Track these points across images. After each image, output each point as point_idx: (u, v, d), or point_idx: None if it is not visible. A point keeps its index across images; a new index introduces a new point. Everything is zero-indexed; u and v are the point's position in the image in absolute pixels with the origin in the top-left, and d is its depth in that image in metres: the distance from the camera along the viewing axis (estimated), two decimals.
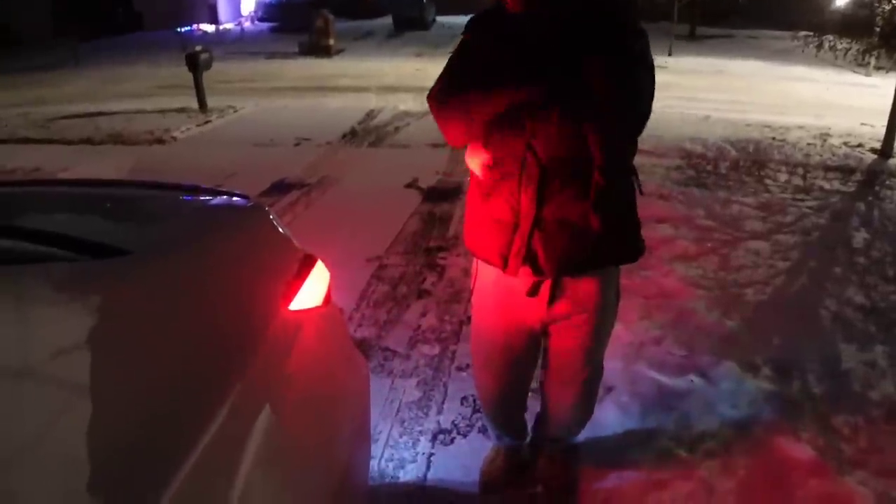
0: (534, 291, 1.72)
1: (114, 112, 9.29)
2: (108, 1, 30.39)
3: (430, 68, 15.46)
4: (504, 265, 1.68)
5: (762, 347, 3.09)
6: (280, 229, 1.59)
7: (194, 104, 9.33)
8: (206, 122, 8.68)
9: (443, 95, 1.62)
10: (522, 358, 1.92)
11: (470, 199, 1.78)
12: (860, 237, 4.71)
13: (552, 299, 1.73)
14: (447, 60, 1.68)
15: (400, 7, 27.28)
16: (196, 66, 9.18)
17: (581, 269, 1.68)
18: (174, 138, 7.83)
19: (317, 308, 1.51)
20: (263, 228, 1.58)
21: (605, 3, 1.54)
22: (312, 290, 1.50)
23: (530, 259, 1.65)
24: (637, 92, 1.53)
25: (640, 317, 3.26)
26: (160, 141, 7.69)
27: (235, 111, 9.45)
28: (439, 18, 29.04)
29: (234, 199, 1.77)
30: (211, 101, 9.47)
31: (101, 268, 1.12)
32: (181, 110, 9.33)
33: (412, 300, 3.48)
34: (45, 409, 0.87)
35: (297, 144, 7.39)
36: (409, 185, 5.66)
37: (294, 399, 1.30)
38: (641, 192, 1.74)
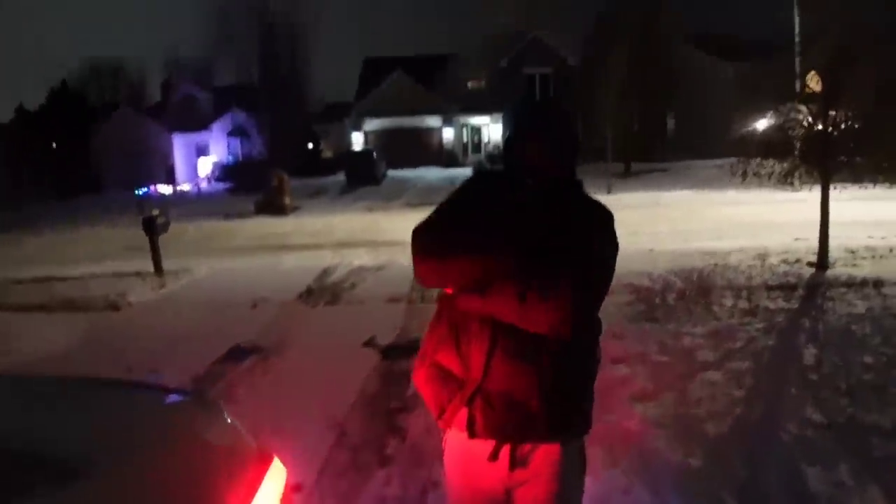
0: (494, 456, 1.72)
1: (69, 277, 9.26)
2: (66, 161, 31.12)
3: (383, 221, 16.07)
4: (440, 415, 1.73)
5: (729, 481, 3.08)
6: (233, 426, 1.58)
7: (150, 268, 9.38)
8: (162, 287, 8.70)
9: (429, 240, 1.71)
10: None
11: (426, 338, 1.83)
12: (809, 353, 4.86)
13: (512, 464, 1.72)
14: (444, 203, 1.79)
15: (352, 163, 28.67)
16: (153, 230, 9.34)
17: (519, 441, 1.71)
18: (129, 304, 7.80)
19: None
20: (218, 429, 1.58)
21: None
22: (269, 493, 1.48)
23: (469, 422, 1.69)
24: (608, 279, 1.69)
25: (605, 465, 3.22)
26: (115, 307, 7.64)
27: (192, 274, 9.51)
28: (390, 173, 30.49)
29: (185, 396, 1.78)
30: (167, 264, 9.53)
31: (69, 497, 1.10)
32: (137, 274, 9.36)
33: (375, 468, 3.38)
34: None
35: (253, 306, 7.41)
36: (366, 344, 5.66)
37: None
38: (600, 361, 1.82)
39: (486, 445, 1.71)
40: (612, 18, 28.57)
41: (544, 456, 1.72)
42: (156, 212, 9.88)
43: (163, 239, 9.60)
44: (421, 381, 1.80)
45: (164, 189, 30.85)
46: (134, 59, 75.81)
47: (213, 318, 7.03)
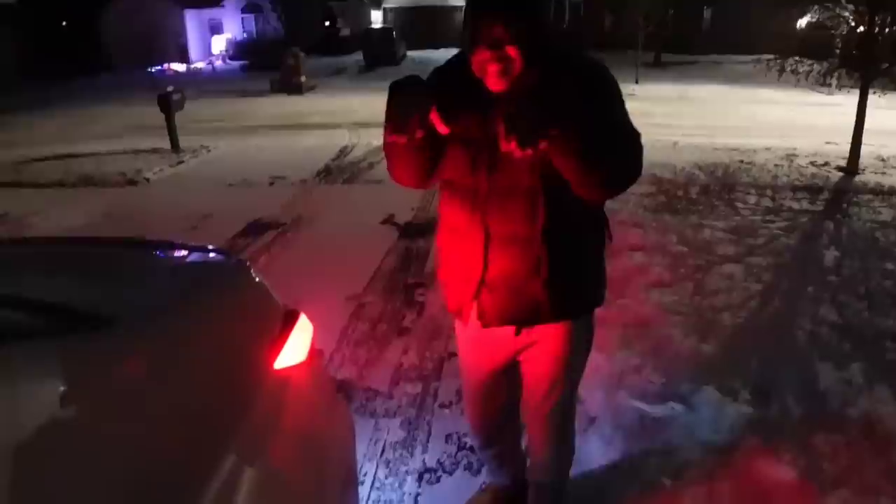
0: (507, 337, 1.79)
1: (85, 154, 9.22)
2: (75, 41, 30.30)
3: None
4: (459, 315, 1.81)
5: (740, 371, 3.13)
6: (261, 286, 1.59)
7: (167, 145, 9.29)
8: (179, 163, 8.63)
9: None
10: (498, 390, 1.96)
11: (437, 242, 1.85)
12: (831, 256, 4.81)
13: (518, 330, 1.77)
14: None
15: (371, 43, 27.63)
16: (168, 106, 9.18)
17: (532, 323, 1.74)
18: (147, 180, 7.79)
19: (302, 363, 1.51)
20: (245, 287, 1.58)
21: (564, 68, 1.56)
22: (296, 346, 1.50)
23: (480, 313, 1.74)
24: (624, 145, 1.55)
25: (619, 346, 3.28)
26: (132, 182, 7.64)
27: (209, 151, 9.43)
28: (409, 53, 29.47)
29: (214, 255, 1.77)
30: (183, 142, 9.44)
31: (91, 343, 1.11)
32: (154, 151, 9.28)
33: (393, 338, 3.47)
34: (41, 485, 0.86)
35: (271, 184, 7.40)
36: (384, 222, 5.68)
37: (284, 456, 1.31)
38: (611, 240, 1.80)
39: (499, 331, 1.77)
40: None
41: (553, 329, 1.77)
42: (171, 88, 9.67)
43: (177, 117, 9.45)
44: (442, 282, 1.87)
45: (178, 67, 30.08)
46: None
47: (232, 193, 7.04)
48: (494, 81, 1.52)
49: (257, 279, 1.59)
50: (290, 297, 3.89)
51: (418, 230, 5.40)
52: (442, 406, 2.89)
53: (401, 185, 1.72)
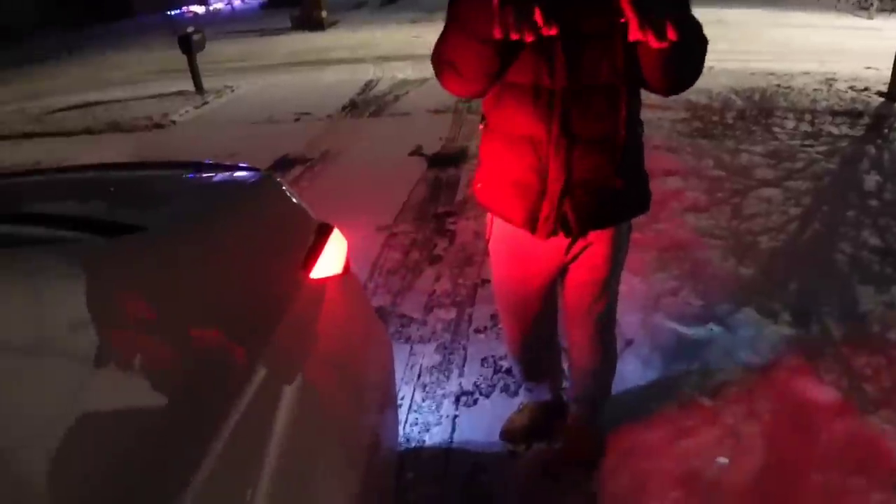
0: (569, 247, 1.77)
1: (110, 100, 9.19)
2: None
3: (427, 35, 15.25)
4: (533, 229, 1.67)
5: (780, 294, 3.08)
6: (294, 200, 1.57)
7: (191, 87, 9.22)
8: (204, 104, 8.58)
9: (441, 38, 1.47)
10: (544, 301, 1.93)
11: (485, 157, 1.74)
12: (871, 180, 4.66)
13: (571, 243, 1.74)
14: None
15: None
16: (189, 48, 9.05)
17: (607, 224, 1.73)
18: (173, 122, 7.77)
19: (337, 275, 1.50)
20: (278, 200, 1.57)
21: None
22: (332, 258, 1.49)
23: (561, 223, 1.66)
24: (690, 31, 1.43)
25: (655, 269, 3.24)
26: (159, 126, 7.62)
27: (233, 91, 9.35)
28: None
29: (245, 173, 1.75)
30: (207, 83, 9.35)
31: (118, 245, 1.10)
32: (178, 94, 9.22)
33: (425, 266, 3.47)
34: (70, 387, 0.85)
35: (296, 120, 7.33)
36: (413, 153, 5.61)
37: (322, 366, 1.30)
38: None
39: (555, 240, 1.71)
40: None
41: (606, 231, 1.75)
42: (191, 28, 9.51)
43: (199, 58, 9.33)
44: (495, 198, 1.74)
45: (197, 9, 29.64)
46: None
47: (258, 132, 7.00)
48: None
49: (289, 193, 1.58)
50: None
51: (447, 160, 5.33)
52: (477, 331, 2.90)
53: (456, 93, 1.54)
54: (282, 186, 1.62)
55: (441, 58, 1.47)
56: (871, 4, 8.57)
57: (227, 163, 1.89)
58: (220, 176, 1.81)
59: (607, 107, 1.53)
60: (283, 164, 5.58)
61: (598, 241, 1.75)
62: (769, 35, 13.48)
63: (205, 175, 1.83)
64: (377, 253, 3.63)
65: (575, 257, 1.79)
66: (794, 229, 3.82)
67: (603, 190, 1.63)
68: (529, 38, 1.25)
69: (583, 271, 1.82)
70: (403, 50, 12.68)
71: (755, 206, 4.10)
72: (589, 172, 1.59)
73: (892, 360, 2.59)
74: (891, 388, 2.43)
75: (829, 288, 3.14)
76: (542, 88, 1.50)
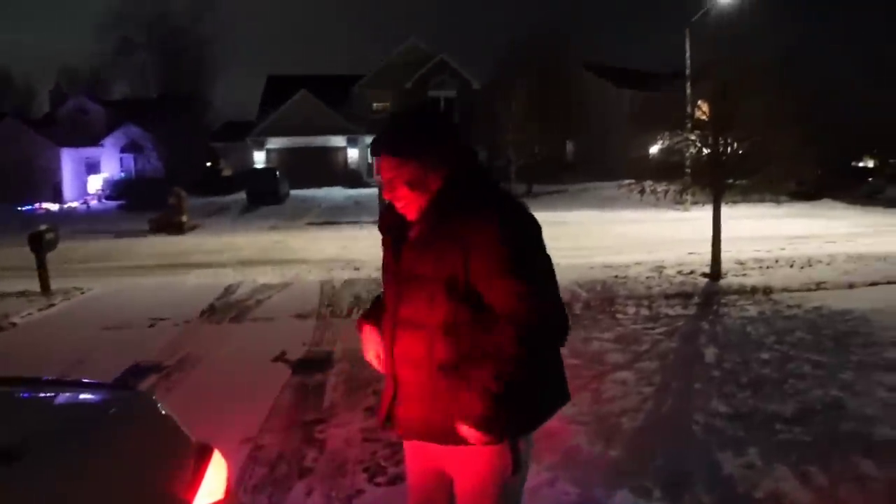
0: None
1: None
2: None
3: (290, 240, 15.70)
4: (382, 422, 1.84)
5: (649, 470, 3.18)
6: (171, 420, 1.47)
7: (37, 287, 8.69)
8: (51, 306, 8.07)
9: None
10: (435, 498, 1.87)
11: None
12: (711, 353, 5.15)
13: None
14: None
15: (254, 182, 27.83)
16: (40, 246, 8.66)
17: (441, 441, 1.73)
18: (14, 324, 7.18)
19: (219, 501, 1.43)
20: (153, 420, 1.47)
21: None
22: (213, 483, 1.41)
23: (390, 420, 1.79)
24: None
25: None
26: None
27: (82, 293, 8.88)
28: (293, 192, 29.87)
29: (118, 391, 1.64)
30: (56, 283, 8.88)
31: None
32: (22, 294, 8.64)
33: (294, 481, 3.23)
34: None
35: (151, 325, 6.98)
36: (276, 359, 5.44)
37: None
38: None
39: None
40: (516, 50, 29.66)
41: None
42: (43, 226, 9.18)
43: (50, 258, 8.92)
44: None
45: (50, 206, 28.79)
46: (20, 69, 70.07)
47: (108, 338, 6.56)
48: (403, 211, 1.73)
49: (164, 412, 1.48)
50: None
51: (313, 365, 5.21)
52: None
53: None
54: (156, 405, 1.52)
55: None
56: (686, 200, 10.03)
57: (100, 381, 1.75)
58: (95, 395, 1.68)
59: (424, 341, 1.70)
60: (135, 372, 5.21)
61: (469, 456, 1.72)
62: (604, 231, 15.19)
63: (78, 393, 1.69)
64: (241, 468, 3.35)
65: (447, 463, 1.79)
66: (651, 407, 4.04)
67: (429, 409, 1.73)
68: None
69: (459, 483, 1.80)
70: (265, 255, 12.83)
71: (612, 389, 4.33)
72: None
73: None
74: None
75: (692, 457, 3.30)
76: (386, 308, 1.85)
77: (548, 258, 1.71)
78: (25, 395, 1.61)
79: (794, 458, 3.24)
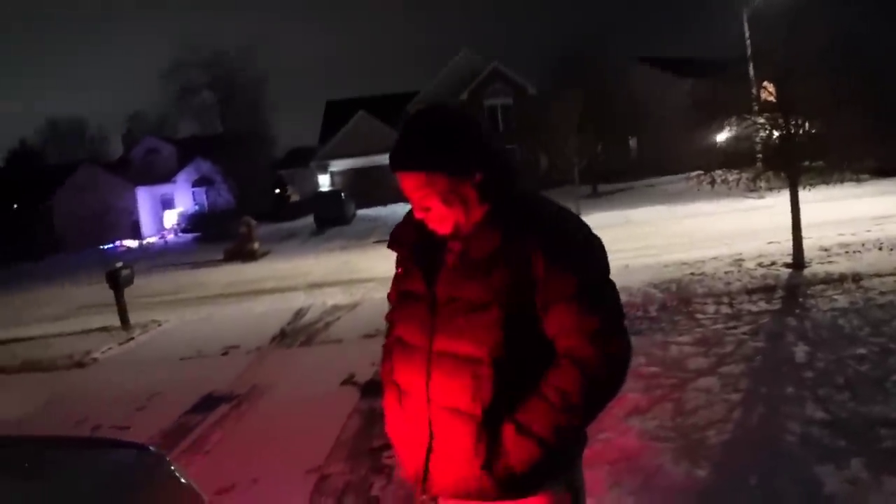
0: None
1: (32, 337, 8.85)
2: (28, 223, 30.21)
3: (357, 260, 15.83)
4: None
5: (742, 490, 2.90)
6: (182, 480, 1.38)
7: (117, 322, 9.04)
8: (129, 340, 8.35)
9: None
10: None
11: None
12: (801, 352, 4.75)
13: None
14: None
15: (321, 206, 28.43)
16: (117, 282, 9.03)
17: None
18: (95, 360, 7.45)
19: None
20: (166, 481, 1.37)
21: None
22: None
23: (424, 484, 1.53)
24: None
25: (608, 486, 3.01)
26: (80, 364, 7.29)
27: (159, 325, 9.17)
28: (359, 212, 30.34)
29: (133, 450, 1.56)
30: (134, 317, 9.19)
31: None
32: (103, 329, 9.01)
33: None
34: None
35: (224, 353, 7.10)
36: (345, 382, 5.38)
37: None
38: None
39: None
40: (569, 52, 29.27)
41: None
42: (119, 264, 9.58)
43: (128, 293, 9.27)
44: None
45: (130, 243, 30.30)
46: (94, 116, 75.27)
47: (183, 368, 6.72)
48: (435, 228, 1.51)
49: (178, 473, 1.38)
50: (244, 474, 3.56)
51: (381, 388, 5.11)
52: None
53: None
54: (170, 466, 1.43)
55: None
56: (760, 187, 9.53)
57: (120, 438, 1.69)
58: (109, 455, 1.61)
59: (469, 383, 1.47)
60: (208, 403, 5.26)
61: None
62: (674, 227, 14.60)
63: (94, 453, 1.62)
64: (307, 501, 3.27)
65: None
66: (739, 417, 3.73)
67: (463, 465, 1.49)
68: None
69: None
70: (334, 276, 12.96)
71: (695, 398, 4.02)
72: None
73: None
74: None
75: (789, 474, 2.99)
76: (415, 345, 1.60)
77: (613, 283, 1.52)
78: (36, 456, 1.55)
79: None
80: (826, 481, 2.89)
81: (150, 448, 1.54)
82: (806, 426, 3.47)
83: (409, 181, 1.48)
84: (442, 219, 1.49)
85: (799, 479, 2.95)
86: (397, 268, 1.63)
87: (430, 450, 1.50)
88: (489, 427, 1.41)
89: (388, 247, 1.65)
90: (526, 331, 1.42)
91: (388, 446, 3.88)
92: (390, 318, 1.72)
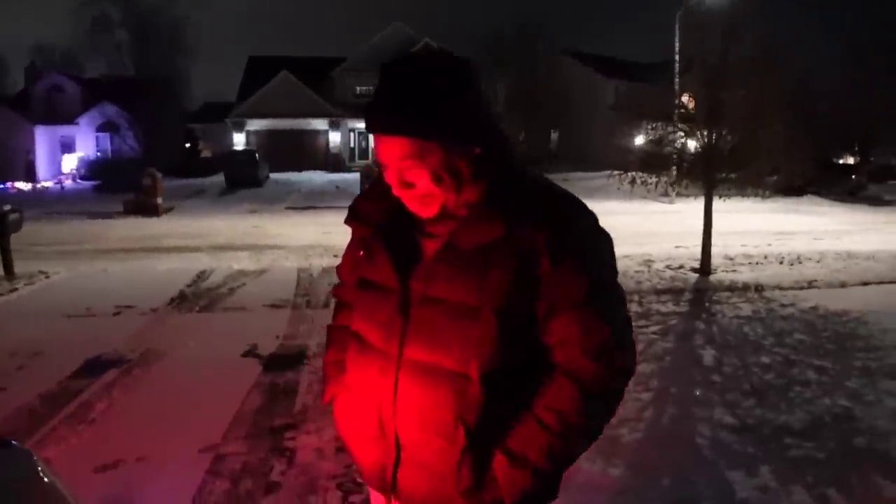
0: None
1: None
2: None
3: (268, 224, 15.27)
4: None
5: (655, 489, 2.91)
6: (47, 479, 1.14)
7: (0, 271, 8.22)
8: (12, 291, 7.64)
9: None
10: None
11: None
12: (709, 355, 4.89)
13: None
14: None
15: (233, 165, 27.28)
16: (3, 227, 8.18)
17: None
18: None
19: None
20: (28, 481, 1.13)
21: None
22: None
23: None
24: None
25: None
26: None
27: (47, 277, 8.44)
28: (273, 175, 29.34)
29: None
30: (20, 267, 8.43)
31: None
32: None
33: (259, 498, 2.89)
34: None
35: (116, 313, 6.57)
36: (246, 354, 5.07)
37: None
38: None
39: None
40: (496, 37, 29.29)
41: None
42: (7, 206, 8.69)
43: (15, 239, 8.45)
44: None
45: (23, 186, 28.00)
46: None
47: (70, 325, 6.16)
48: (416, 208, 1.22)
49: (42, 471, 1.14)
50: (131, 450, 3.24)
51: (285, 362, 4.84)
52: None
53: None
54: (36, 465, 1.19)
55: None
56: (673, 192, 9.87)
57: None
58: None
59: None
60: (95, 367, 4.82)
61: None
62: None
63: None
64: (199, 483, 3.00)
65: None
66: (651, 416, 3.76)
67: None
68: None
69: None
70: (242, 240, 12.42)
71: None
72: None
73: None
74: None
75: (701, 478, 3.03)
76: (377, 349, 1.35)
77: (621, 286, 1.29)
78: None
79: (810, 478, 2.98)
80: (738, 488, 2.93)
81: (13, 443, 1.28)
82: (716, 430, 3.54)
83: (392, 147, 1.16)
84: (427, 198, 1.19)
85: (712, 483, 2.99)
86: (356, 249, 1.34)
87: (397, 463, 1.26)
88: (474, 450, 1.19)
89: (346, 222, 1.33)
90: (519, 340, 1.19)
91: (290, 426, 3.67)
92: (343, 299, 1.46)
